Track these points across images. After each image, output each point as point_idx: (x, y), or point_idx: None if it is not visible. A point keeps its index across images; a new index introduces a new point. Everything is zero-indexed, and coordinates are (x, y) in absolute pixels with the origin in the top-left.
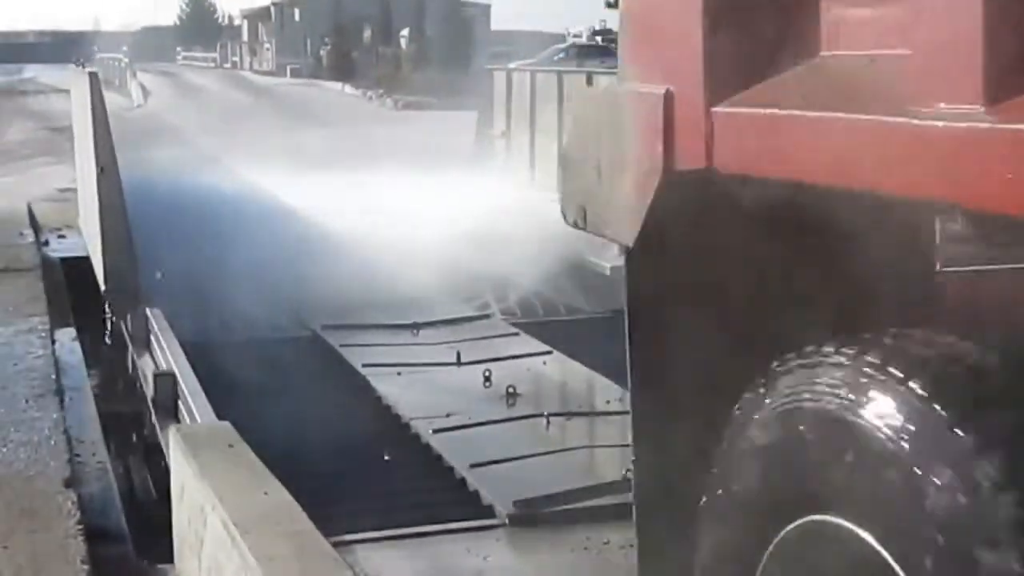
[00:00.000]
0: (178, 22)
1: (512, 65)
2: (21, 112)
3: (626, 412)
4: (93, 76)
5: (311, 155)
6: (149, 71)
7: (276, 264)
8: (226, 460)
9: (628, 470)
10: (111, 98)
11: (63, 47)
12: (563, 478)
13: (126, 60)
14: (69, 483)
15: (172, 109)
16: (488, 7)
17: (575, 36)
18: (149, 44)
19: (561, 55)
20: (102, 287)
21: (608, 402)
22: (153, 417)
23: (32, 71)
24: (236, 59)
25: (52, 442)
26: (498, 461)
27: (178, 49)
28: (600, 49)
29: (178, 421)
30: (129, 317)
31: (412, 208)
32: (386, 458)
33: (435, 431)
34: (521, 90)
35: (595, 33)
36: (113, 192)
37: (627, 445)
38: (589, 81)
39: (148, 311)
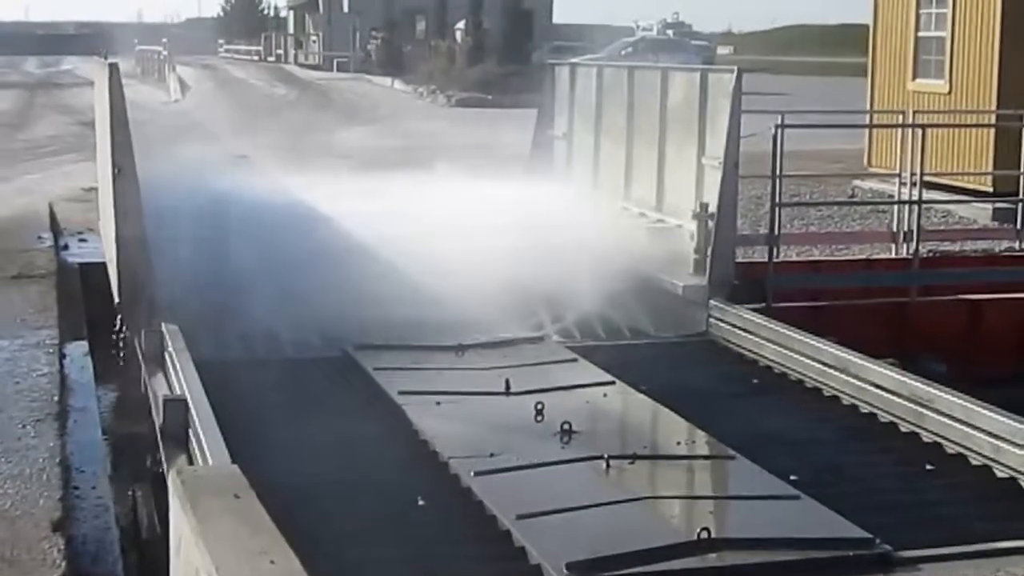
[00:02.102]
0: (221, 13)
1: (576, 60)
2: (55, 106)
3: (698, 455)
4: (113, 68)
5: (354, 155)
6: (190, 64)
7: (307, 275)
8: (230, 514)
9: (703, 528)
10: (149, 92)
11: (104, 39)
12: (625, 535)
13: (165, 53)
14: (58, 525)
15: (210, 105)
16: None
17: (645, 29)
18: (192, 36)
19: (629, 50)
20: (115, 299)
21: (678, 443)
22: (160, 447)
23: (70, 63)
24: (280, 52)
25: (45, 475)
26: (549, 512)
27: (220, 41)
28: (673, 43)
29: (188, 452)
30: (143, 333)
31: (460, 215)
32: (420, 503)
33: (477, 473)
34: (586, 87)
35: (667, 26)
36: (130, 195)
37: (700, 496)
38: (663, 78)
39: (164, 327)
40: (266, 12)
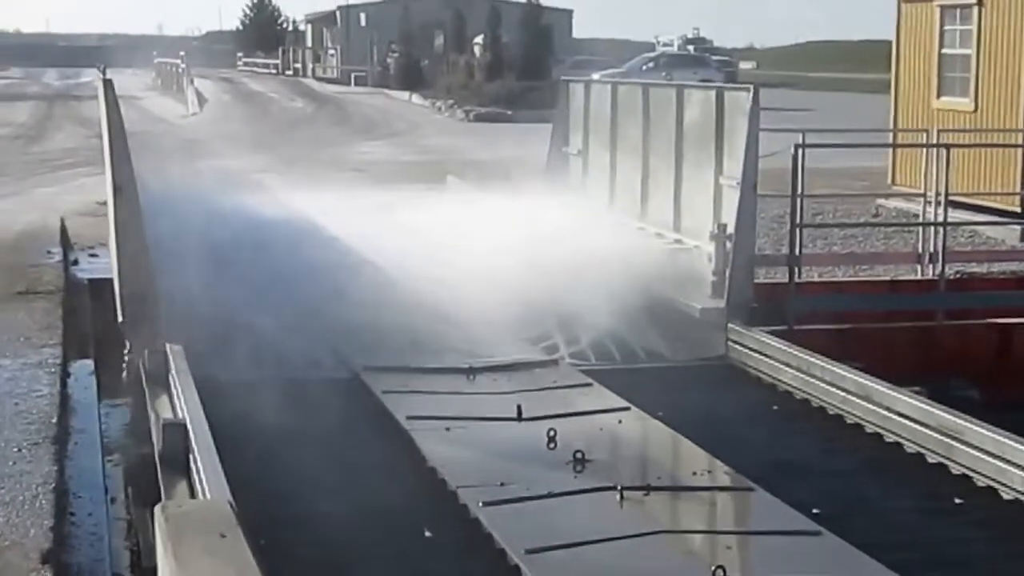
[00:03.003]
0: (240, 27)
1: (595, 76)
2: (72, 117)
3: (715, 487)
4: (108, 85)
5: (370, 169)
6: (208, 77)
7: (317, 293)
8: (212, 557)
9: (719, 566)
10: (167, 105)
11: (125, 51)
12: (637, 572)
13: (183, 66)
14: (48, 556)
15: (227, 118)
16: (570, 13)
17: (666, 45)
18: (211, 49)
19: (650, 65)
20: (119, 317)
21: (695, 473)
22: (158, 473)
23: (89, 75)
24: (298, 65)
25: (39, 502)
26: (560, 546)
27: (239, 54)
28: (693, 59)
29: (187, 478)
30: (146, 353)
31: (474, 232)
32: (426, 534)
33: (486, 504)
34: (601, 104)
35: (688, 42)
36: (131, 214)
37: (717, 531)
38: (679, 95)
39: (168, 347)
40: (285, 26)
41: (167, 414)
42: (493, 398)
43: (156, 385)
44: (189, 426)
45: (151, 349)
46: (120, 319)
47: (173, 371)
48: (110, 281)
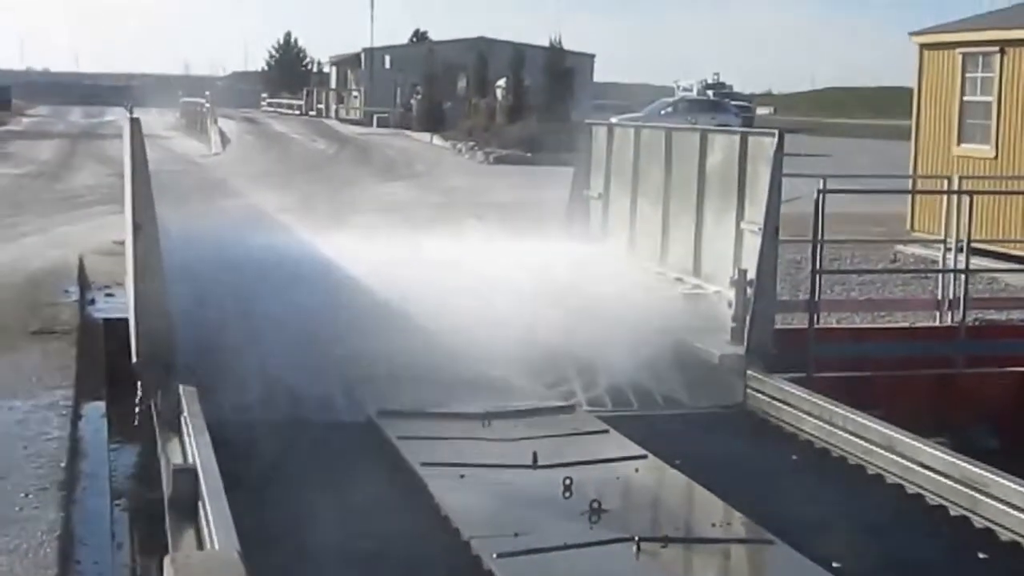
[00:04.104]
0: (266, 67)
1: (614, 119)
2: (95, 156)
3: (733, 539)
4: (135, 123)
5: (390, 209)
6: (232, 117)
7: (333, 335)
8: None
9: None
10: (190, 144)
11: (151, 90)
12: None
13: (207, 105)
14: None
15: (250, 158)
16: (592, 57)
17: (685, 89)
18: (236, 89)
19: (669, 109)
20: (134, 357)
21: (713, 524)
22: (167, 519)
23: (113, 114)
24: (321, 106)
25: (43, 551)
26: None
27: (263, 95)
28: (712, 104)
29: (195, 524)
30: (159, 394)
31: (494, 275)
32: None
33: (499, 555)
34: (623, 148)
35: (707, 87)
36: (150, 252)
37: None
38: (702, 140)
39: (181, 388)
40: (310, 67)
41: (178, 458)
42: (509, 444)
43: (168, 428)
44: (200, 471)
45: (164, 390)
46: (134, 360)
47: (186, 413)
48: (125, 321)
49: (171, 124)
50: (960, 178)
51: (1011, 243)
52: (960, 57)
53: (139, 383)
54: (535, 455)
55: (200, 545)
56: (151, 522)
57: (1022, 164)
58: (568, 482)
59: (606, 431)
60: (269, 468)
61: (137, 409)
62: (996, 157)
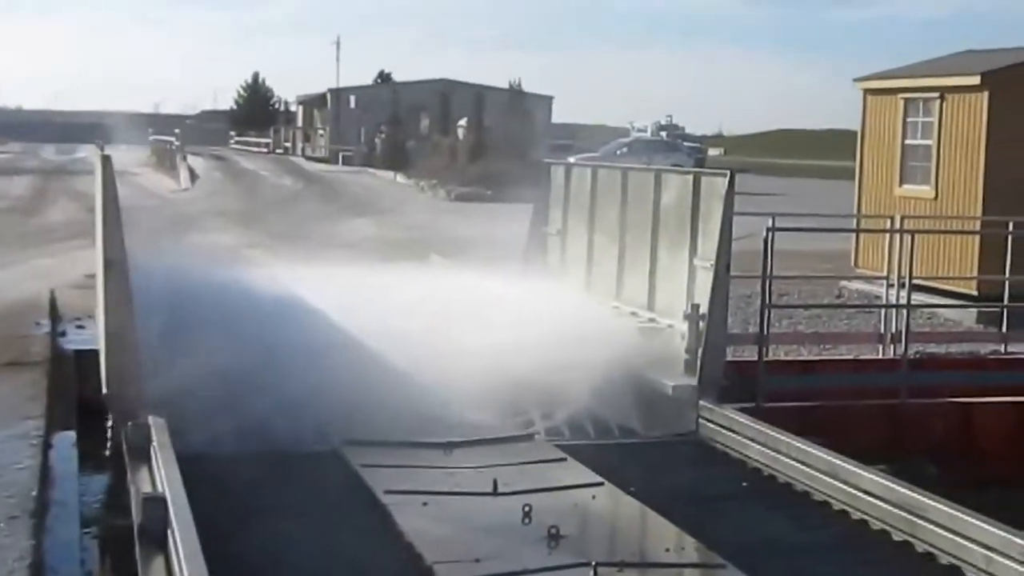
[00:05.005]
0: (235, 107)
1: (572, 159)
2: (68, 192)
3: (686, 564)
4: (106, 160)
5: (355, 245)
6: (202, 154)
7: (300, 368)
8: None
9: None
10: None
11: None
12: None
13: (177, 143)
14: None
15: (218, 194)
16: (550, 99)
17: (640, 130)
18: (205, 128)
19: (624, 150)
20: (104, 389)
21: (667, 550)
22: (136, 547)
23: (86, 151)
24: (288, 144)
25: None
26: None
27: (231, 133)
28: (665, 144)
29: (164, 553)
30: (128, 425)
31: (455, 311)
32: None
33: None
34: (580, 186)
35: (661, 128)
36: (120, 288)
37: None
38: (657, 179)
39: (150, 419)
40: (277, 106)
41: (147, 487)
42: (470, 472)
43: (137, 458)
44: (169, 501)
45: (134, 421)
46: (104, 390)
47: (155, 444)
48: (96, 353)
49: (142, 161)
50: (902, 217)
51: (950, 280)
52: (902, 102)
53: (109, 413)
54: (495, 483)
55: (169, 573)
56: (121, 550)
57: (961, 205)
58: (527, 509)
59: (564, 459)
60: (236, 497)
61: (107, 439)
62: (936, 198)
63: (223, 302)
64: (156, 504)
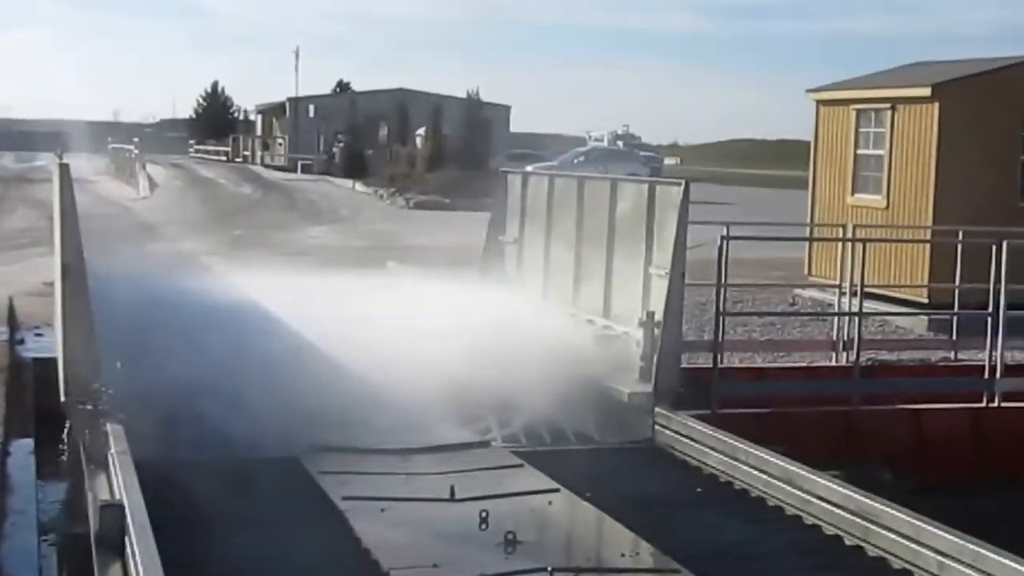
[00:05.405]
0: (194, 115)
1: (529, 168)
2: (27, 200)
3: (643, 569)
4: (64, 168)
5: (313, 253)
6: (160, 163)
7: (258, 376)
8: None
9: None
10: (119, 189)
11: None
12: None
13: (136, 151)
14: None
15: (177, 202)
16: (508, 108)
17: (597, 140)
18: (164, 136)
19: (581, 159)
20: (62, 396)
21: (622, 555)
22: (94, 554)
23: (45, 159)
24: (247, 153)
25: None
26: None
27: (191, 142)
28: (622, 154)
29: (122, 559)
30: (86, 433)
31: (412, 318)
32: None
33: None
34: (537, 195)
35: (617, 137)
36: (79, 294)
37: None
38: (612, 188)
39: (108, 427)
40: (236, 115)
41: (105, 495)
42: (427, 479)
43: (95, 465)
44: (127, 508)
45: (92, 429)
46: (63, 398)
47: (113, 451)
48: (54, 360)
49: (101, 169)
50: (854, 226)
51: (902, 288)
52: (854, 113)
53: (67, 421)
54: (452, 489)
55: None
56: (79, 558)
57: (912, 214)
58: (484, 515)
59: (520, 466)
60: (194, 504)
61: (65, 446)
62: (887, 207)
63: (182, 309)
64: (114, 511)
